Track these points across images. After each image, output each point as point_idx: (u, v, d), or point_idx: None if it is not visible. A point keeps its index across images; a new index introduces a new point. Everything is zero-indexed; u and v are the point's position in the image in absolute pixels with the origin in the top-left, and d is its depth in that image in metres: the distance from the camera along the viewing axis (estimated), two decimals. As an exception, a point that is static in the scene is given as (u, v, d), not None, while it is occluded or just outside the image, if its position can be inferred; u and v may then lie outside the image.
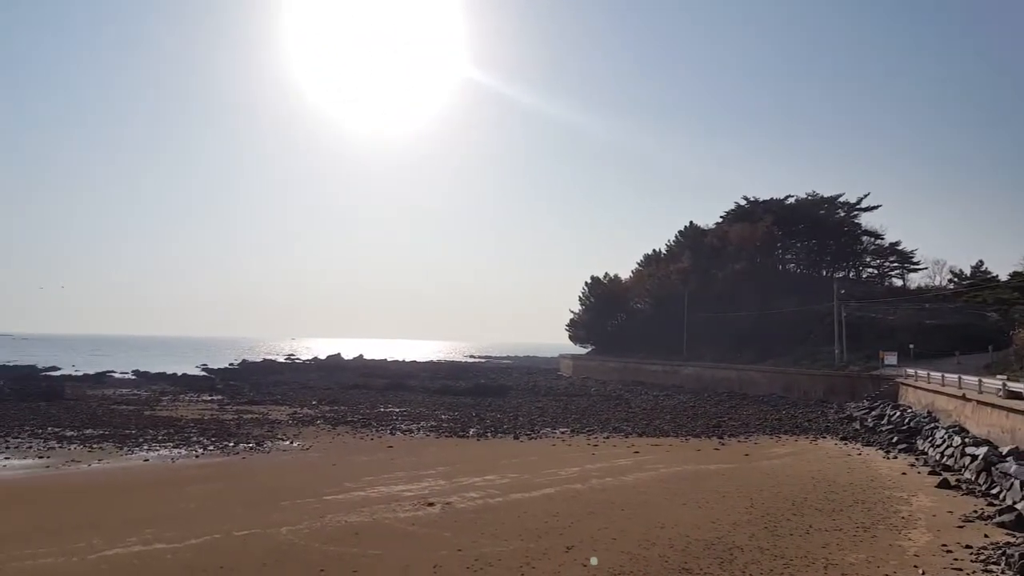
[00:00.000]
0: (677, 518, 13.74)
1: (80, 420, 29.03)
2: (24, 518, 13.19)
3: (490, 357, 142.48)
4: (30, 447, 22.26)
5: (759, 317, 57.68)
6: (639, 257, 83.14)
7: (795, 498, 15.93)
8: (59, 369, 65.57)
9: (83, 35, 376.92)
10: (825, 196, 72.02)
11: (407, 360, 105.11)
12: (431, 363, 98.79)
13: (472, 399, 42.87)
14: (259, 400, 40.21)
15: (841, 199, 71.56)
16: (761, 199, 73.93)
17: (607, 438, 26.80)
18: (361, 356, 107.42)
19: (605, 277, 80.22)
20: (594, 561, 10.80)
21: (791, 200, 72.57)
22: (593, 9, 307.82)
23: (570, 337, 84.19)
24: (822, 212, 71.08)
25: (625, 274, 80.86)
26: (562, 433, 28.19)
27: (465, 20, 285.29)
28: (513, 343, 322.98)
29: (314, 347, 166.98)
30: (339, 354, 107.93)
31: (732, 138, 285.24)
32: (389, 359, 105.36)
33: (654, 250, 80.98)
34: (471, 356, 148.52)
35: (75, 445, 22.81)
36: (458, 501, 15.09)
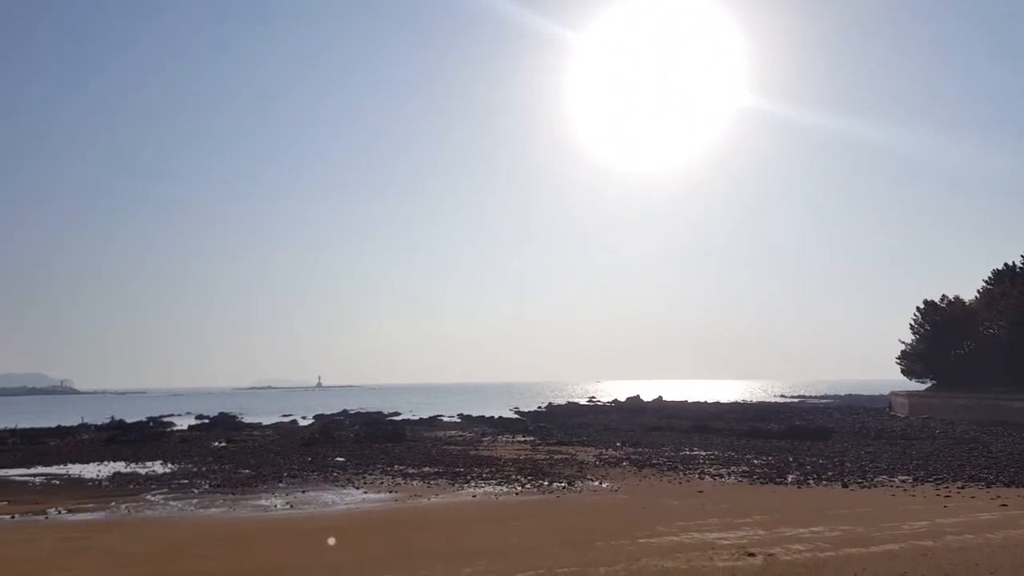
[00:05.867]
0: (1077, 592, 10.84)
1: (419, 459, 33.01)
2: (383, 546, 15.14)
3: (804, 396, 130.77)
4: (382, 483, 25.85)
5: None
6: (979, 275, 70.86)
7: None
8: (400, 414, 76.79)
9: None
10: None
11: (709, 401, 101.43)
12: (736, 404, 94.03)
13: (787, 442, 39.45)
14: (567, 441, 41.82)
15: None
16: None
17: (961, 488, 22.55)
18: (660, 398, 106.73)
19: (943, 300, 69.50)
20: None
21: None
22: (871, 25, 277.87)
23: (903, 371, 74.10)
24: None
25: (966, 295, 69.50)
26: (902, 481, 24.43)
27: (743, 44, 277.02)
28: (830, 380, 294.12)
29: (614, 389, 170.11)
30: (638, 396, 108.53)
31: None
32: (690, 400, 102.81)
33: (1006, 264, 67.97)
34: (782, 395, 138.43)
35: (416, 481, 25.99)
36: (781, 553, 13.73)
